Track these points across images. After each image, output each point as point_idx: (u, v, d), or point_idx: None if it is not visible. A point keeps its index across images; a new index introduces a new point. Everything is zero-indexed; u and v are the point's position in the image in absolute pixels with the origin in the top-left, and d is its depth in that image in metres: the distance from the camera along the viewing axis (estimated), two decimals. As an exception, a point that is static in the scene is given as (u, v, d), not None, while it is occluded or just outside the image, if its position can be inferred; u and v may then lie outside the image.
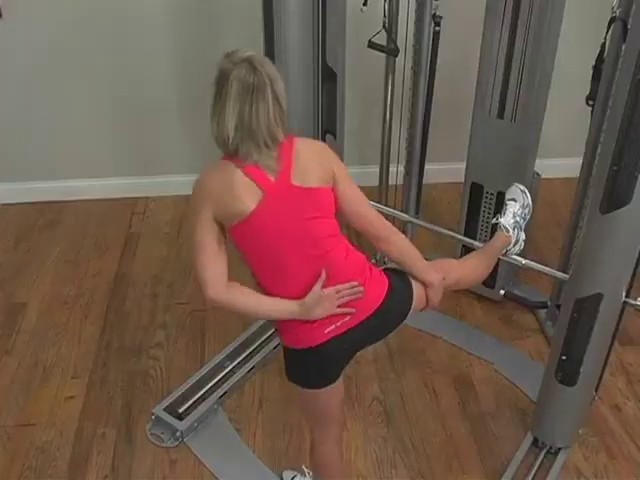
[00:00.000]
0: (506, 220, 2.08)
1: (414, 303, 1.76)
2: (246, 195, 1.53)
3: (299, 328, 1.63)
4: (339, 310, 1.62)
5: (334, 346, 1.65)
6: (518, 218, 2.10)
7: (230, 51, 1.52)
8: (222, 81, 1.49)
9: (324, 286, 1.60)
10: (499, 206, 2.56)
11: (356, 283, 1.63)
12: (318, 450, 1.90)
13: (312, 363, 1.68)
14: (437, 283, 1.78)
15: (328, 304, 1.60)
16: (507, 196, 2.19)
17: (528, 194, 2.17)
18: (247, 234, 1.57)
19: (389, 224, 1.74)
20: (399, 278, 1.75)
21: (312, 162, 1.59)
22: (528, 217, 2.15)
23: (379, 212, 1.73)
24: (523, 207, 2.13)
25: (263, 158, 1.53)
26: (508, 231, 2.07)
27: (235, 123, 1.49)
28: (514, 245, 2.10)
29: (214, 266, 1.56)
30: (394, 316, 1.75)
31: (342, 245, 1.65)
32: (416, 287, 1.77)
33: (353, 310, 1.64)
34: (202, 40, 3.15)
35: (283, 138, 1.55)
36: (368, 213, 1.69)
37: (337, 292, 1.61)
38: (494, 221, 2.12)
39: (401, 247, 1.74)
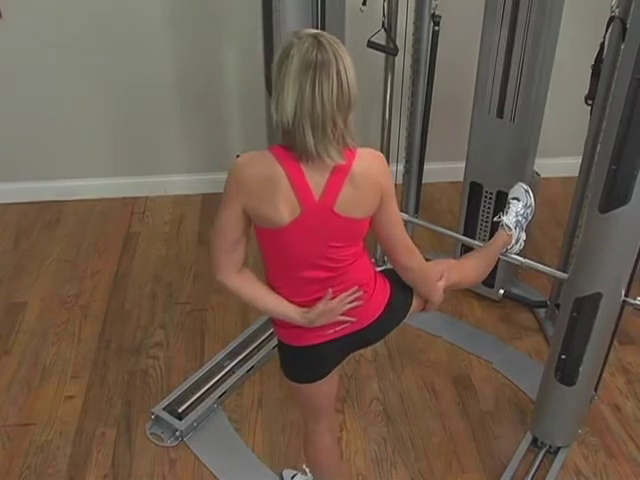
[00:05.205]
0: (509, 219, 2.07)
1: (410, 310, 1.76)
2: (285, 207, 1.43)
3: (298, 329, 1.62)
4: (340, 318, 1.61)
5: (328, 349, 1.65)
6: (520, 217, 2.09)
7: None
8: (283, 57, 1.36)
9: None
10: (498, 205, 2.57)
11: (356, 288, 1.60)
12: (310, 440, 1.91)
13: (304, 361, 1.69)
14: (438, 302, 1.78)
15: (330, 315, 1.59)
16: (510, 195, 2.17)
17: (531, 194, 2.15)
18: (272, 240, 1.52)
19: (414, 256, 1.65)
20: (401, 289, 1.72)
21: (364, 192, 1.46)
22: (530, 217, 2.13)
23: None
24: (526, 207, 2.12)
25: (316, 167, 1.41)
26: (510, 229, 2.05)
27: (294, 104, 1.34)
28: (514, 244, 2.09)
29: (230, 253, 1.51)
30: (389, 324, 1.75)
31: (358, 261, 1.59)
32: (415, 297, 1.76)
33: (354, 319, 1.63)
34: (202, 40, 3.15)
35: (348, 142, 1.44)
36: (397, 243, 1.60)
37: (340, 302, 1.58)
38: (496, 219, 2.11)
39: (414, 280, 1.71)
